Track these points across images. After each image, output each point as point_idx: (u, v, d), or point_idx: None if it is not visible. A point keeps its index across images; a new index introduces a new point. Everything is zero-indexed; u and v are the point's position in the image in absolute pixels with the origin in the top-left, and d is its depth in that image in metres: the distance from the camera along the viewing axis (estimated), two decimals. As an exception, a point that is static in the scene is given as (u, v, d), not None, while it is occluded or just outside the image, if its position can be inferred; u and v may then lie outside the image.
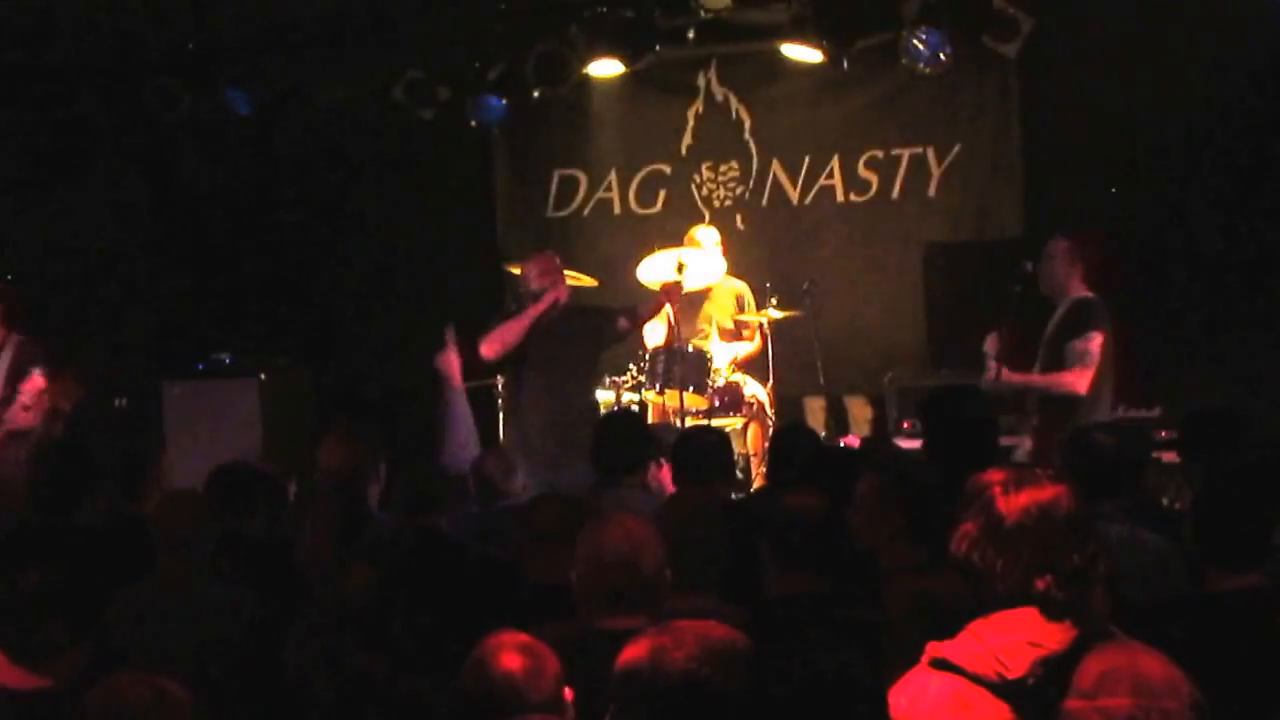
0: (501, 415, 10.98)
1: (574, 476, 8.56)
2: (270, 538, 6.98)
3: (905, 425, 11.15)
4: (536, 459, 9.46)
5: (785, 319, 11.55)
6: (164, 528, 6.23)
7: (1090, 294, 9.38)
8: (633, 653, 3.66)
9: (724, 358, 11.43)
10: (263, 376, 12.42)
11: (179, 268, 13.53)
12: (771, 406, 11.47)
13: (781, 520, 5.53)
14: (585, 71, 12.14)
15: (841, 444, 10.05)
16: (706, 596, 5.25)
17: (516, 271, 10.71)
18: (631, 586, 4.94)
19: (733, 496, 8.34)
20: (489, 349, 10.13)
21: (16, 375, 10.40)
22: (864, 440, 11.19)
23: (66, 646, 4.42)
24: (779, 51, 12.03)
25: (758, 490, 10.00)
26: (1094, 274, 9.51)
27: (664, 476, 7.70)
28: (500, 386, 11.03)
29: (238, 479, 7.18)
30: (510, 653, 3.96)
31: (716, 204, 13.26)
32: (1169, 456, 9.29)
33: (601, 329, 10.34)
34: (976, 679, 3.75)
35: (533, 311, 10.10)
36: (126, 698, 3.77)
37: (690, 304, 11.41)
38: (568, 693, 3.97)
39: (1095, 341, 9.18)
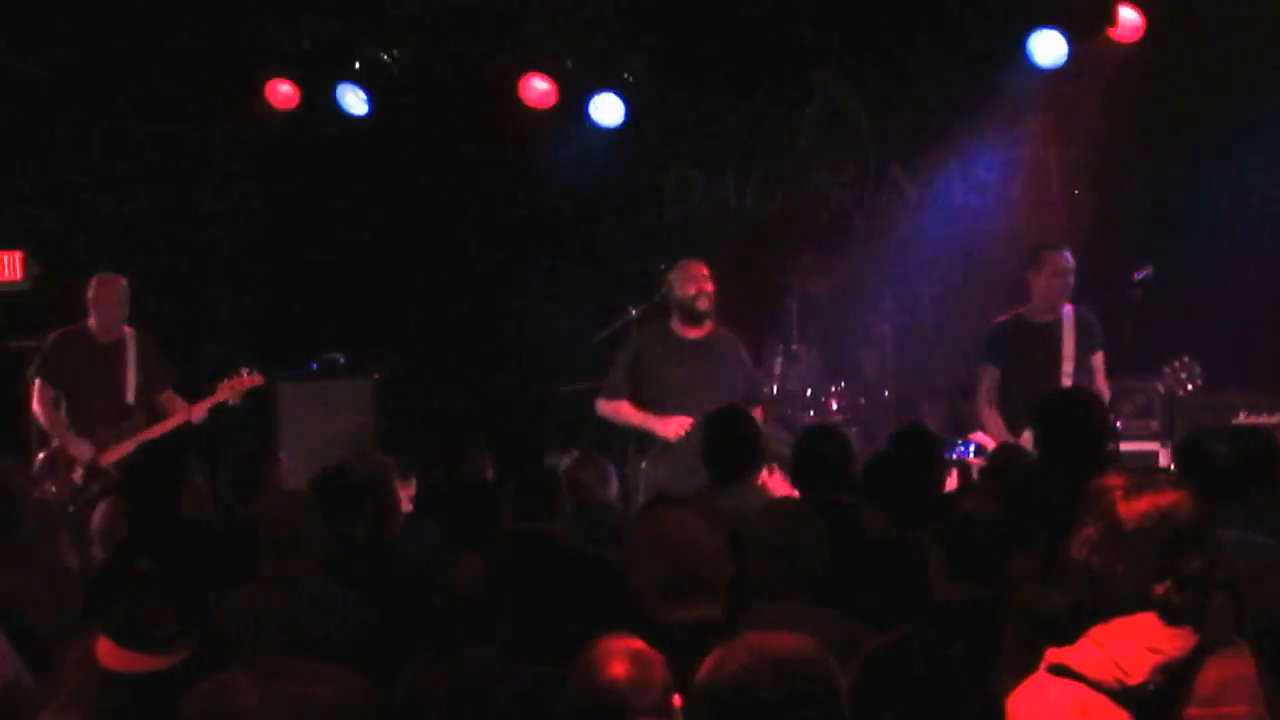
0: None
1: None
2: (377, 540, 6.98)
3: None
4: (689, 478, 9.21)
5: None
6: (272, 529, 6.24)
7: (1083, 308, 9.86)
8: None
9: None
10: (376, 377, 12.48)
11: (294, 267, 13.59)
12: None
13: (957, 525, 5.44)
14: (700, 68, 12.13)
15: (973, 443, 9.96)
16: (792, 604, 5.26)
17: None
18: (688, 575, 4.98)
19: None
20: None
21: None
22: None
23: (174, 635, 4.48)
24: (897, 50, 11.95)
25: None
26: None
27: (772, 482, 7.66)
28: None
29: (344, 482, 7.16)
30: (619, 660, 3.94)
31: (834, 205, 13.18)
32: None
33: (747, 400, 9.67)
34: (1096, 685, 3.73)
35: (643, 422, 9.74)
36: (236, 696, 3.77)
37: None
38: (676, 700, 3.94)
39: None
